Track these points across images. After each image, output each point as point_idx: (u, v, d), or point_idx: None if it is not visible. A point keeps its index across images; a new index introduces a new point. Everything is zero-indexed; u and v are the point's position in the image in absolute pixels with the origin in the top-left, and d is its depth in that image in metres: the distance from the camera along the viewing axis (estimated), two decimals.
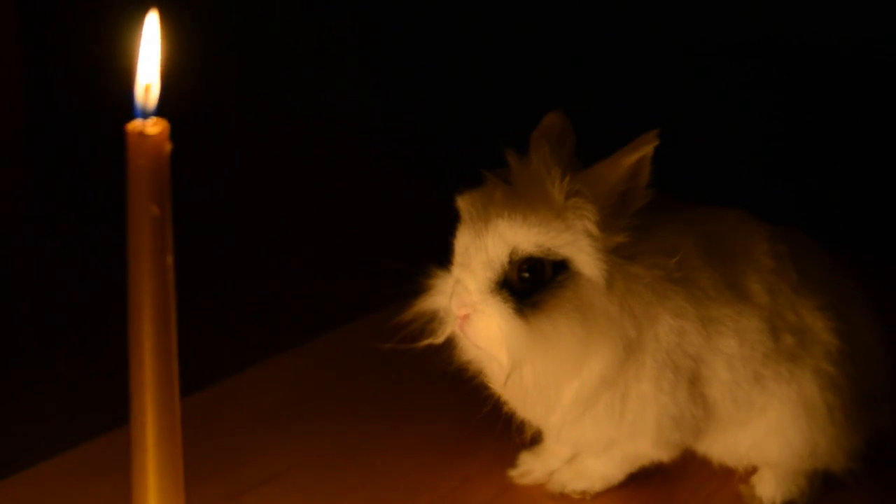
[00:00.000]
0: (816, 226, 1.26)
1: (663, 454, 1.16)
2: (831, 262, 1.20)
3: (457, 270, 1.08)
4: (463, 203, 1.09)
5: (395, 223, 2.54)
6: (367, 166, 2.82)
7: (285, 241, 2.60)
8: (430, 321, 1.11)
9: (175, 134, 0.72)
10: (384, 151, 2.85)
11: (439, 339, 1.11)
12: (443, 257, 1.10)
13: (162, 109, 0.73)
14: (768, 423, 1.15)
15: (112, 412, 1.11)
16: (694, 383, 1.10)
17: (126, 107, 0.73)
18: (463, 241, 1.08)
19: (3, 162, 2.67)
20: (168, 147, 0.72)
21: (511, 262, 1.05)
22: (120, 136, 0.72)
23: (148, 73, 0.74)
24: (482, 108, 2.72)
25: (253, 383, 1.39)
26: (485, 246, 1.06)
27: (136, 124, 0.72)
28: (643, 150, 1.05)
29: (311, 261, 2.51)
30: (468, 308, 1.06)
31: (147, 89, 0.73)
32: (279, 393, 1.36)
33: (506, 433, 1.15)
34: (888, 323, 1.22)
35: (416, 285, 1.11)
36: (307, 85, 3.06)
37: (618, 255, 1.07)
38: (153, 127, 0.72)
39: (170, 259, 0.74)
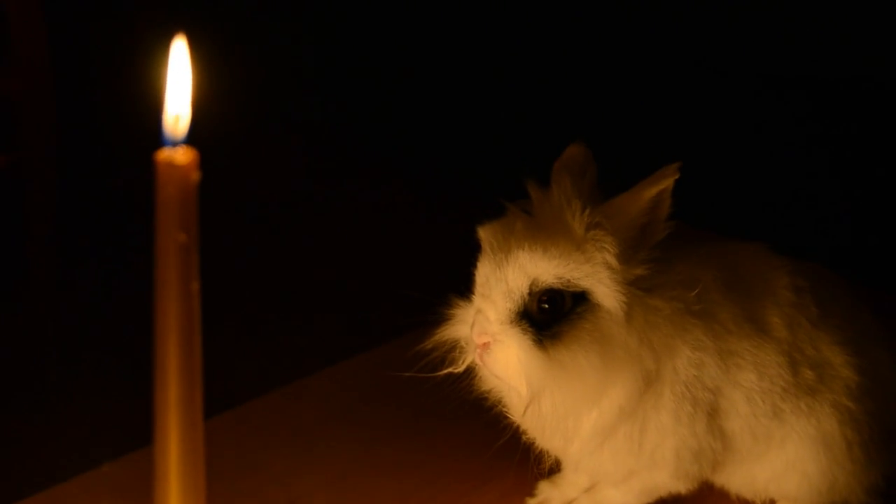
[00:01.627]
0: (837, 260, 1.26)
1: (681, 486, 1.16)
2: (851, 298, 1.20)
3: (477, 300, 1.09)
4: (484, 234, 1.10)
5: (417, 253, 2.55)
6: (392, 197, 2.85)
7: (309, 268, 2.63)
8: (451, 350, 1.12)
9: (203, 161, 0.74)
10: (408, 182, 2.87)
11: (459, 368, 1.12)
12: (463, 288, 1.11)
13: (190, 137, 0.74)
14: (787, 457, 1.15)
15: (135, 434, 1.12)
16: (713, 416, 1.11)
17: (155, 133, 0.74)
18: (484, 272, 1.09)
19: (33, 185, 2.69)
20: (196, 176, 0.73)
21: (531, 293, 1.06)
22: (148, 163, 0.73)
23: (177, 102, 0.75)
24: (504, 140, 2.74)
25: (274, 407, 1.40)
26: (505, 277, 1.07)
27: (165, 153, 0.73)
28: (663, 182, 1.06)
29: (334, 288, 2.53)
30: (488, 337, 1.07)
31: (176, 119, 0.74)
32: (300, 417, 1.37)
33: (524, 462, 1.15)
34: None
35: (437, 315, 1.12)
36: (333, 114, 3.08)
37: (637, 288, 1.07)
38: (182, 156, 0.73)
39: (196, 285, 0.75)
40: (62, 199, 2.68)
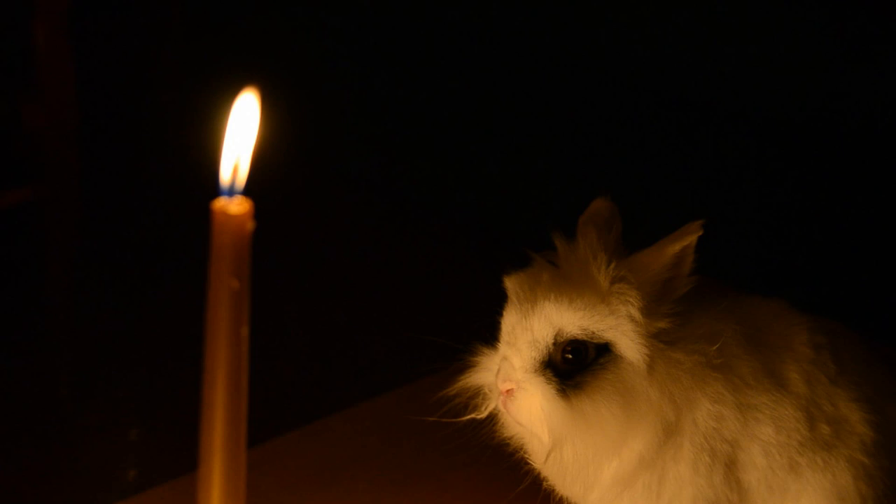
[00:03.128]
0: (856, 318, 1.28)
1: None
2: (869, 355, 1.22)
3: (503, 348, 1.11)
4: (511, 284, 1.12)
5: (445, 300, 2.60)
6: (424, 246, 2.90)
7: (343, 313, 2.67)
8: (474, 396, 1.14)
9: (256, 211, 0.77)
10: (440, 232, 2.92)
11: (482, 414, 1.14)
12: (489, 336, 1.14)
13: (246, 187, 0.77)
14: None
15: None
16: (730, 468, 1.13)
17: (210, 181, 0.77)
18: (510, 321, 1.11)
19: (54, 220, 2.72)
20: (251, 225, 0.76)
21: (556, 343, 1.08)
22: (204, 209, 0.76)
23: (237, 154, 0.78)
24: (532, 193, 2.77)
25: (294, 446, 1.42)
26: (531, 326, 1.09)
27: (221, 203, 0.76)
28: (687, 239, 1.09)
29: (364, 331, 2.57)
30: (512, 384, 1.09)
31: (235, 170, 0.77)
32: (320, 457, 1.39)
33: None
34: None
35: (462, 361, 1.14)
36: (370, 166, 3.14)
37: (659, 340, 1.10)
38: (238, 206, 0.76)
39: (245, 330, 0.77)
40: (88, 235, 2.72)
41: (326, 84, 3.21)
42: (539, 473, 1.16)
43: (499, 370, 1.10)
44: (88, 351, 2.55)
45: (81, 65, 2.71)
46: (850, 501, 1.16)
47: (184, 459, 1.03)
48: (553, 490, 1.17)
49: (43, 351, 2.54)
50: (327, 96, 3.20)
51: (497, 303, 1.13)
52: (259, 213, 0.76)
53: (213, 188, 0.76)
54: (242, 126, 0.78)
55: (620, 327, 1.08)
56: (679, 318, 1.11)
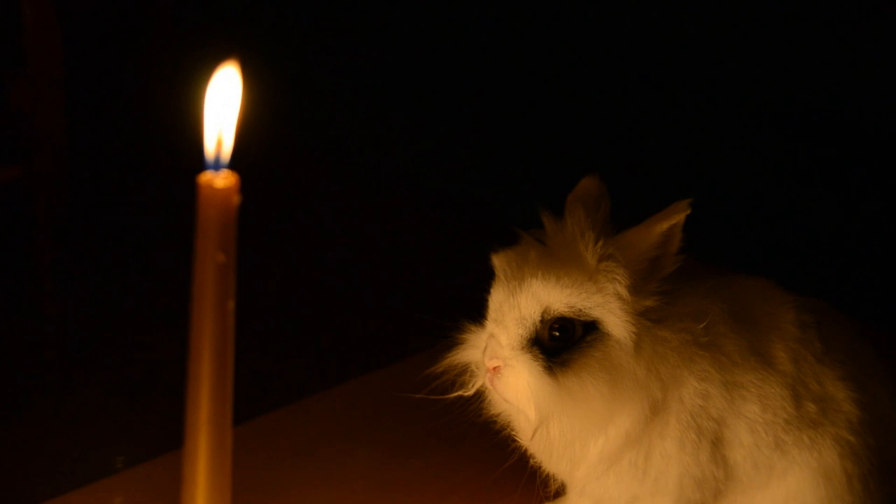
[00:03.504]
0: (841, 299, 1.29)
1: None
2: (855, 334, 1.22)
3: (490, 326, 1.11)
4: (498, 261, 1.12)
5: (432, 278, 2.60)
6: (412, 223, 2.90)
7: (329, 289, 2.67)
8: (462, 373, 1.15)
9: (243, 185, 0.77)
10: (427, 210, 2.93)
11: (469, 391, 1.14)
12: (476, 313, 1.14)
13: (232, 160, 0.77)
14: (787, 488, 1.17)
15: (144, 444, 1.16)
16: (716, 445, 1.13)
17: (197, 155, 0.77)
18: (497, 299, 1.11)
19: (41, 197, 2.71)
20: (237, 199, 0.76)
21: (543, 320, 1.09)
22: (191, 183, 0.76)
23: (221, 127, 0.78)
24: (520, 170, 2.78)
25: (283, 424, 1.42)
26: (518, 304, 1.09)
27: (207, 176, 0.76)
28: (675, 218, 1.09)
29: (351, 308, 2.58)
30: (499, 361, 1.10)
31: (220, 143, 0.77)
32: (309, 434, 1.39)
33: (530, 485, 1.18)
34: None
35: (449, 339, 1.15)
36: (358, 138, 3.14)
37: (647, 319, 1.10)
38: (223, 180, 0.76)
39: (231, 303, 0.77)
40: (75, 212, 2.72)
41: (312, 58, 3.21)
42: (525, 451, 1.16)
43: (486, 347, 1.11)
44: (75, 327, 2.55)
45: (69, 43, 2.70)
46: (836, 479, 1.17)
47: (170, 436, 1.03)
48: (539, 467, 1.17)
49: (30, 327, 2.54)
50: (313, 70, 3.20)
51: (485, 280, 1.13)
52: (245, 187, 0.76)
53: (200, 162, 0.76)
54: (224, 99, 0.77)
55: (608, 305, 1.08)
56: (666, 296, 1.11)
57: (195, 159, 0.76)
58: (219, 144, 0.77)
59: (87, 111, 2.97)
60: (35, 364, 2.44)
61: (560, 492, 1.23)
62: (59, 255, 2.56)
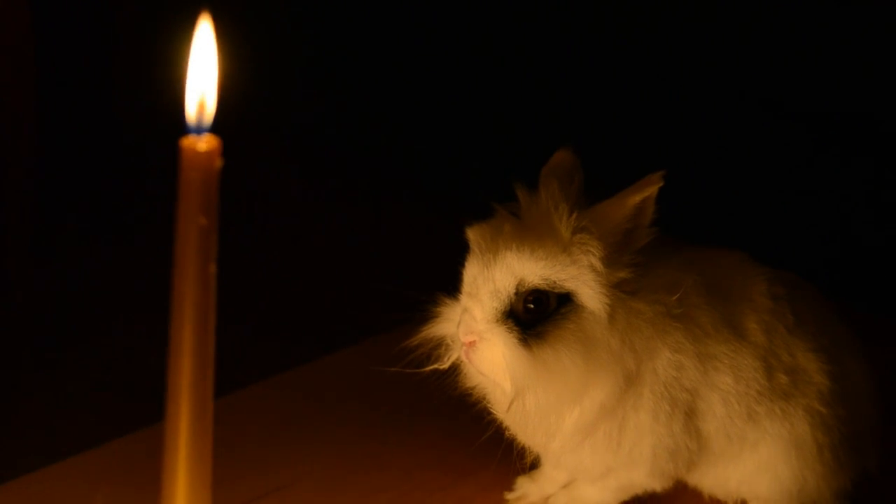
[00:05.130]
0: (812, 272, 1.30)
1: (657, 484, 1.19)
2: (826, 307, 1.23)
3: (464, 299, 1.12)
4: (473, 235, 1.13)
5: (406, 251, 2.61)
6: (385, 196, 2.91)
7: (301, 260, 2.68)
8: (437, 347, 1.15)
9: (225, 148, 0.77)
10: (400, 182, 2.93)
11: (445, 364, 1.15)
12: (451, 287, 1.14)
13: (214, 123, 0.77)
14: (759, 459, 1.19)
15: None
16: (689, 416, 1.14)
17: (180, 117, 0.77)
18: (471, 272, 1.12)
19: (11, 173, 2.70)
20: (219, 162, 0.77)
21: (517, 293, 1.09)
22: (173, 146, 0.76)
23: (202, 89, 0.78)
24: (493, 143, 2.78)
25: (259, 398, 1.42)
26: (492, 277, 1.10)
27: (189, 140, 0.76)
28: (648, 190, 1.10)
29: (325, 282, 2.58)
30: (474, 335, 1.10)
31: (202, 106, 0.77)
32: (285, 408, 1.40)
33: (506, 458, 1.18)
34: (877, 370, 1.25)
35: (424, 312, 1.15)
36: (333, 112, 3.14)
37: (621, 290, 1.11)
38: (205, 143, 0.76)
39: (213, 267, 0.78)
40: (53, 179, 2.72)
41: (298, 22, 3.21)
42: (501, 423, 1.17)
43: (460, 322, 1.11)
44: (54, 294, 2.55)
45: (40, 12, 2.70)
46: (808, 450, 1.18)
47: (151, 410, 1.03)
48: (515, 440, 1.18)
49: (7, 297, 2.53)
50: (299, 37, 3.20)
51: (459, 254, 1.13)
52: (226, 151, 0.76)
53: (182, 126, 0.76)
54: (204, 61, 0.77)
55: (582, 277, 1.09)
56: (640, 268, 1.12)
57: (180, 123, 0.77)
58: (201, 108, 0.77)
59: (66, 82, 2.96)
60: (12, 332, 2.44)
61: (536, 464, 1.24)
62: (31, 230, 2.56)
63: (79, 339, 2.41)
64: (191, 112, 0.77)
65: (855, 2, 2.38)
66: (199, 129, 0.76)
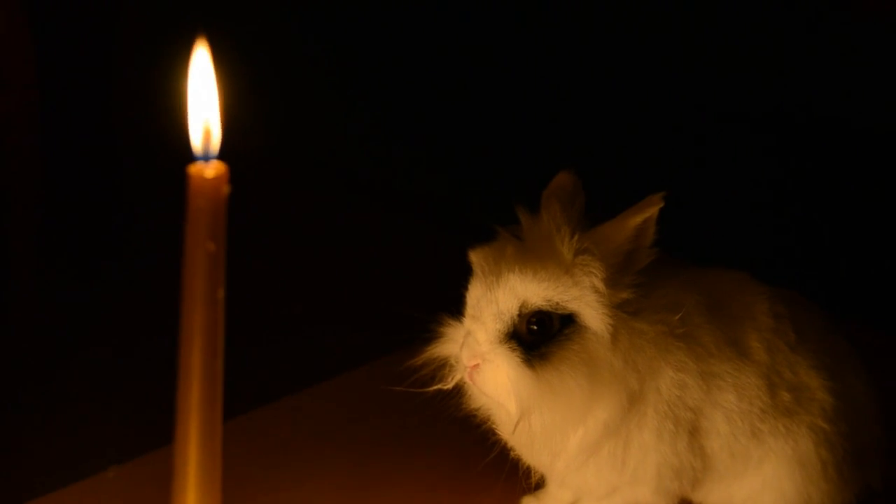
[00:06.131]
0: (814, 291, 1.30)
1: (662, 502, 1.19)
2: (827, 324, 1.24)
3: (468, 322, 1.12)
4: (475, 257, 1.14)
5: (411, 273, 2.62)
6: (390, 219, 2.92)
7: (307, 284, 2.69)
8: (441, 367, 1.16)
9: (231, 174, 0.78)
10: (405, 206, 2.94)
11: (449, 385, 1.16)
12: (454, 308, 1.15)
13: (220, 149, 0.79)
14: (764, 476, 1.19)
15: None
16: (693, 435, 1.15)
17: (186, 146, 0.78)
18: (475, 294, 1.12)
19: (15, 201, 2.71)
20: (226, 189, 0.78)
21: (520, 314, 1.10)
22: (181, 173, 0.77)
23: (206, 116, 0.79)
24: (495, 167, 2.80)
25: (267, 420, 1.43)
26: (496, 299, 1.10)
27: (196, 167, 0.77)
28: (648, 211, 1.10)
29: (330, 304, 2.59)
30: (478, 359, 1.11)
31: (207, 133, 0.78)
32: (291, 431, 1.40)
33: (511, 478, 1.19)
34: (879, 385, 1.26)
35: (428, 333, 1.16)
36: (341, 133, 3.16)
37: (623, 311, 1.11)
38: (213, 170, 0.77)
39: (221, 292, 0.79)
40: (61, 207, 2.74)
41: (302, 48, 3.22)
42: (506, 444, 1.18)
43: (463, 345, 1.12)
44: (61, 318, 2.55)
45: (43, 45, 2.71)
46: (812, 466, 1.19)
47: (160, 433, 1.04)
48: (520, 460, 1.19)
49: (13, 321, 2.54)
50: (304, 62, 3.21)
51: (462, 276, 1.14)
52: (233, 177, 0.77)
53: (189, 153, 0.77)
54: (204, 87, 0.78)
55: (584, 298, 1.10)
56: (642, 288, 1.13)
57: (183, 151, 0.78)
58: (207, 135, 0.78)
59: (67, 111, 2.98)
60: (17, 359, 2.45)
61: (541, 484, 1.25)
62: (35, 259, 2.57)
63: (85, 364, 2.42)
64: (196, 140, 0.78)
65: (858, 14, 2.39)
66: (206, 157, 0.78)
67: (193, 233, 0.76)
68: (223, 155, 0.78)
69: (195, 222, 0.76)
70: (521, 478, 1.19)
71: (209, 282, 0.77)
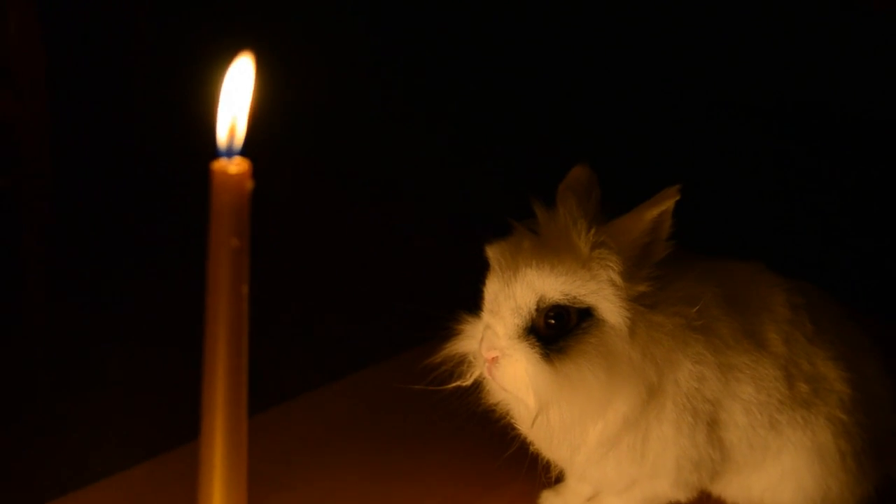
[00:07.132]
0: (828, 282, 1.31)
1: (681, 494, 1.20)
2: (844, 315, 1.24)
3: (486, 316, 1.13)
4: (492, 252, 1.14)
5: (428, 270, 2.63)
6: (406, 216, 2.93)
7: (328, 280, 2.70)
8: (459, 364, 1.16)
9: (256, 172, 0.78)
10: (422, 203, 2.96)
11: (467, 381, 1.16)
12: (472, 304, 1.16)
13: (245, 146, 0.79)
14: (783, 468, 1.19)
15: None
16: (712, 427, 1.15)
17: (211, 142, 0.79)
18: (492, 289, 1.13)
19: (28, 207, 2.72)
20: (250, 185, 0.78)
21: (538, 309, 1.10)
22: (204, 170, 0.78)
23: (235, 115, 0.79)
24: (512, 162, 2.80)
25: (289, 415, 1.43)
26: (513, 293, 1.11)
27: (220, 163, 0.78)
28: (665, 204, 1.11)
29: (348, 301, 2.60)
30: (496, 352, 1.11)
31: (233, 130, 0.79)
32: (311, 427, 1.41)
33: (531, 472, 1.19)
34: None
35: (446, 330, 1.16)
36: (357, 137, 3.17)
37: (640, 304, 1.11)
38: (236, 166, 0.78)
39: (245, 288, 0.79)
40: (88, 203, 2.76)
41: (325, 48, 3.23)
42: (525, 439, 1.18)
43: (482, 339, 1.12)
44: (86, 316, 2.57)
45: (57, 46, 2.72)
46: (830, 458, 1.19)
47: (186, 429, 1.05)
48: (539, 454, 1.19)
49: (29, 321, 2.56)
50: (325, 62, 3.22)
51: (480, 272, 1.14)
52: (257, 173, 0.78)
53: (213, 149, 0.78)
54: (238, 87, 0.79)
55: (602, 291, 1.10)
56: (659, 281, 1.13)
57: (210, 146, 0.78)
58: (232, 131, 0.78)
59: (83, 111, 2.99)
60: (41, 359, 2.46)
61: (560, 478, 1.25)
62: (50, 261, 2.58)
63: (112, 360, 2.44)
64: (221, 136, 0.78)
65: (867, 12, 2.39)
66: (230, 153, 0.78)
67: (217, 229, 0.77)
68: (246, 151, 0.79)
69: (219, 218, 0.77)
70: (541, 472, 1.19)
71: (234, 278, 0.78)
